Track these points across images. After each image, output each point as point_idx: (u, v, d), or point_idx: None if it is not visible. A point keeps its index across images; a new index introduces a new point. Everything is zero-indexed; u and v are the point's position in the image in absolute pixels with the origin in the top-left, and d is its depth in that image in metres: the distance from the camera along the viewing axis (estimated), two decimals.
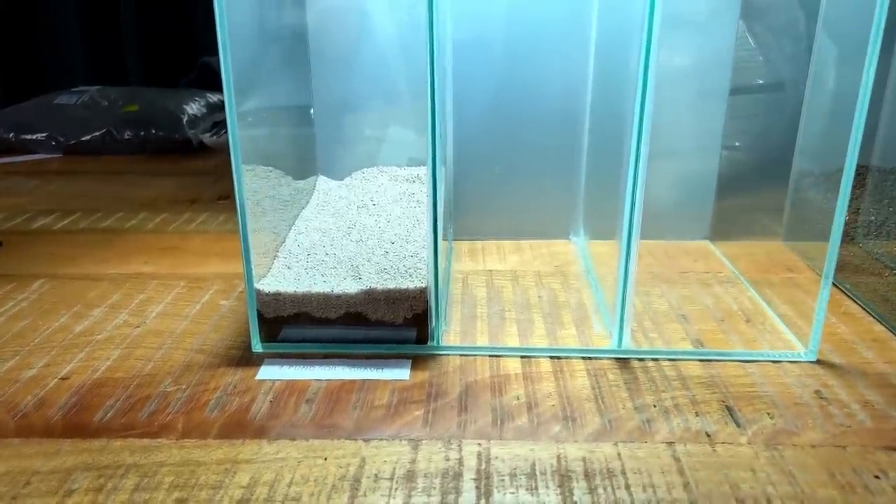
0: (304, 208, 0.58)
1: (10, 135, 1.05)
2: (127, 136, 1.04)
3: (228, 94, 0.40)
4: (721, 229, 0.63)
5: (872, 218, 0.56)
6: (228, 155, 0.41)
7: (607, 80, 0.56)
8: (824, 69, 0.58)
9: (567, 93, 0.62)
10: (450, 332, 0.48)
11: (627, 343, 0.45)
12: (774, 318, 0.50)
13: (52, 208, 0.78)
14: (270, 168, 0.51)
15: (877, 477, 0.34)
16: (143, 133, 1.04)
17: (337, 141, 0.65)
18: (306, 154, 0.64)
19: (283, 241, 0.51)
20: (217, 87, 0.40)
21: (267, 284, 0.45)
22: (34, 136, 1.04)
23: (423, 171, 0.53)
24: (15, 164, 1.00)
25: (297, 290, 0.45)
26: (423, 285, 0.45)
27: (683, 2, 0.59)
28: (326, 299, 0.45)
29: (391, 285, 0.45)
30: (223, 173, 0.41)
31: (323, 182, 0.63)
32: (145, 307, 0.53)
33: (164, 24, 1.37)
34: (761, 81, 0.63)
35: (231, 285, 0.56)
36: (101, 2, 1.38)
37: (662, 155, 0.65)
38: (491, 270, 0.58)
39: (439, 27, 0.40)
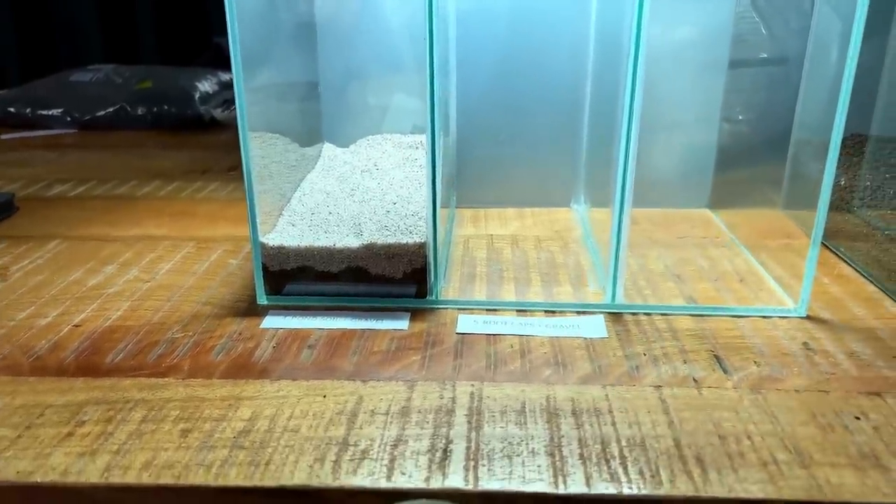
0: (309, 172, 0.59)
1: (28, 110, 1.07)
2: (140, 112, 1.06)
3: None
4: (721, 198, 0.64)
5: (868, 184, 0.57)
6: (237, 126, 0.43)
7: (608, 50, 0.57)
8: (824, 41, 0.58)
9: (570, 62, 0.62)
10: (448, 288, 0.49)
11: (621, 298, 0.46)
12: (768, 278, 0.51)
13: (67, 177, 0.80)
14: (277, 135, 0.52)
15: (857, 418, 0.35)
16: (155, 109, 1.05)
17: (343, 110, 0.66)
18: (313, 123, 0.65)
19: (289, 202, 0.53)
20: (229, 66, 0.42)
21: (272, 239, 0.47)
22: (50, 112, 1.07)
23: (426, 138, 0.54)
24: (32, 139, 1.02)
25: (301, 243, 0.46)
26: (422, 241, 0.46)
27: None
28: (329, 253, 0.46)
29: (391, 240, 0.46)
30: (234, 146, 0.43)
31: (328, 149, 0.64)
32: (155, 265, 0.54)
33: (178, 4, 1.39)
34: (762, 55, 0.64)
35: (239, 247, 0.58)
36: None
37: (663, 126, 0.66)
38: (492, 235, 0.60)
39: None
